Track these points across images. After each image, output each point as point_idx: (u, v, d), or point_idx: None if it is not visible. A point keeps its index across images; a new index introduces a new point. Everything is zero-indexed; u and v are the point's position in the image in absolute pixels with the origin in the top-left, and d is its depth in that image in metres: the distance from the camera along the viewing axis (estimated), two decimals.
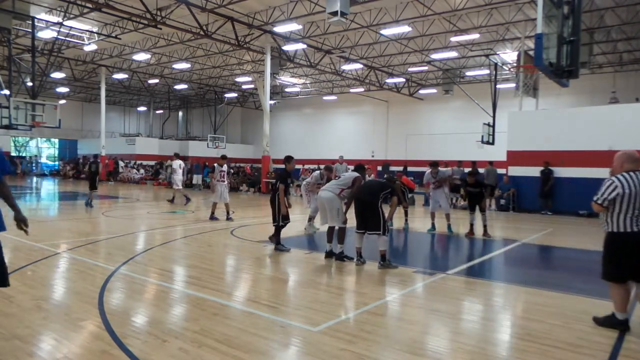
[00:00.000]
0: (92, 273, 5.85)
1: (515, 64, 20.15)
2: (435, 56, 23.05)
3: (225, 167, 11.66)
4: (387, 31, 18.94)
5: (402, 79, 28.28)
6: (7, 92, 17.20)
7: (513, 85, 21.78)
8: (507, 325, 4.43)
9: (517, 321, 4.47)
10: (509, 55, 22.19)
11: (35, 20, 18.14)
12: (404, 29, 18.46)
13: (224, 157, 11.82)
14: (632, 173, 4.06)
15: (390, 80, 28.55)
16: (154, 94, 37.21)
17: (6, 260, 3.11)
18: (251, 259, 7.16)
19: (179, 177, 15.27)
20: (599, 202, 4.11)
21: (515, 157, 15.98)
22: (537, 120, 16.23)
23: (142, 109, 42.62)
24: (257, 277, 6.10)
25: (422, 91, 30.15)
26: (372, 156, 29.77)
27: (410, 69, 26.82)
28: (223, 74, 30.01)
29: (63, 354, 3.43)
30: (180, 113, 42.71)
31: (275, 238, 7.64)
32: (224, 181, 11.51)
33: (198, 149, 34.74)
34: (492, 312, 4.78)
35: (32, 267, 6.03)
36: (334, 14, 13.73)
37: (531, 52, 17.15)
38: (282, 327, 4.11)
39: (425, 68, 26.52)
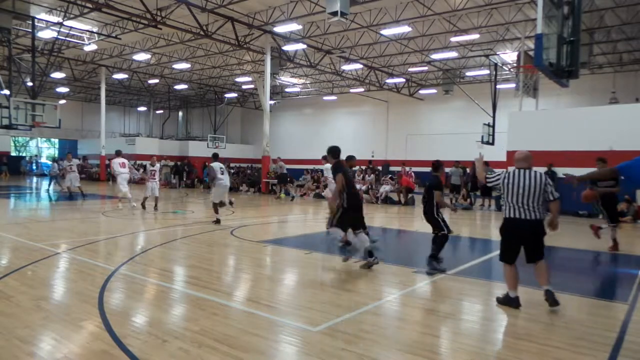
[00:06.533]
0: (92, 273, 5.85)
1: (515, 64, 20.15)
2: (435, 56, 23.05)
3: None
4: (387, 31, 18.94)
5: (402, 79, 28.28)
6: (7, 92, 17.20)
7: (513, 85, 21.78)
8: (506, 325, 4.43)
9: (517, 321, 4.47)
10: (509, 55, 22.19)
11: (35, 20, 18.14)
12: (404, 29, 18.45)
13: (215, 156, 11.63)
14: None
15: (390, 81, 28.55)
16: (154, 94, 37.20)
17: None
18: (251, 259, 7.16)
19: (73, 175, 16.25)
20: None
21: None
22: (537, 120, 16.22)
23: (142, 109, 42.60)
24: (257, 277, 6.10)
25: (422, 91, 30.15)
26: (372, 156, 29.71)
27: (410, 69, 26.81)
28: (223, 74, 30.01)
29: (63, 354, 3.43)
30: (180, 113, 42.69)
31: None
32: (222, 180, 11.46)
33: (198, 149, 34.72)
34: (491, 312, 4.78)
35: (32, 267, 6.03)
36: (334, 14, 13.74)
37: (531, 52, 17.14)
38: (281, 327, 4.11)
39: (425, 68, 26.52)
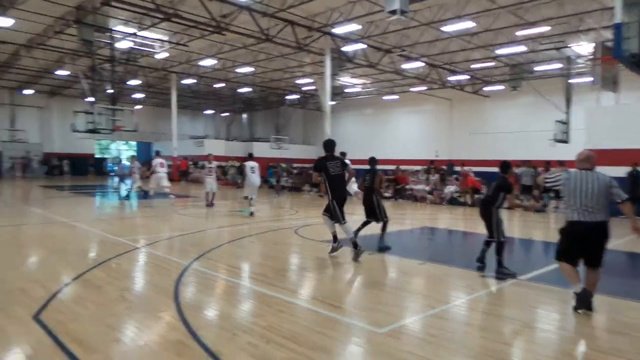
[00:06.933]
0: (168, 267, 6.23)
1: (591, 57, 18.69)
2: (501, 51, 21.98)
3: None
4: (450, 27, 18.35)
5: (465, 76, 27.27)
6: (92, 99, 18.84)
7: (588, 79, 20.20)
8: (588, 337, 4.13)
9: (601, 334, 4.16)
10: (583, 47, 20.63)
11: (113, 32, 19.63)
12: (468, 24, 17.77)
13: (250, 155, 13.16)
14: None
15: (452, 78, 27.63)
16: (219, 97, 38.81)
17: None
18: (315, 258, 7.26)
19: (136, 175, 16.95)
20: None
21: (596, 157, 14.78)
22: (619, 115, 14.94)
23: (209, 112, 44.66)
24: (321, 276, 6.18)
25: (487, 88, 28.87)
26: (436, 156, 28.94)
27: (474, 66, 25.78)
28: (284, 76, 30.65)
29: (144, 341, 3.70)
30: (245, 115, 44.19)
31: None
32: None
33: (262, 150, 35.71)
34: (570, 322, 4.47)
35: (116, 260, 6.54)
36: (393, 12, 13.51)
37: (609, 43, 15.82)
38: (346, 327, 4.13)
39: (491, 64, 25.37)
